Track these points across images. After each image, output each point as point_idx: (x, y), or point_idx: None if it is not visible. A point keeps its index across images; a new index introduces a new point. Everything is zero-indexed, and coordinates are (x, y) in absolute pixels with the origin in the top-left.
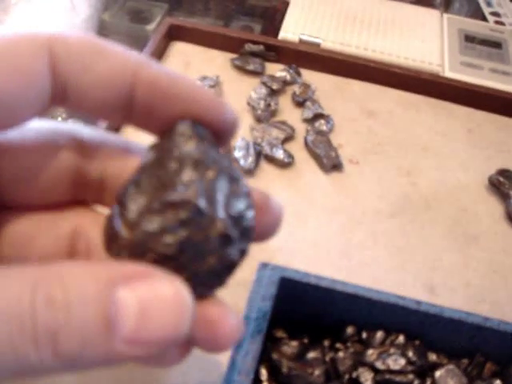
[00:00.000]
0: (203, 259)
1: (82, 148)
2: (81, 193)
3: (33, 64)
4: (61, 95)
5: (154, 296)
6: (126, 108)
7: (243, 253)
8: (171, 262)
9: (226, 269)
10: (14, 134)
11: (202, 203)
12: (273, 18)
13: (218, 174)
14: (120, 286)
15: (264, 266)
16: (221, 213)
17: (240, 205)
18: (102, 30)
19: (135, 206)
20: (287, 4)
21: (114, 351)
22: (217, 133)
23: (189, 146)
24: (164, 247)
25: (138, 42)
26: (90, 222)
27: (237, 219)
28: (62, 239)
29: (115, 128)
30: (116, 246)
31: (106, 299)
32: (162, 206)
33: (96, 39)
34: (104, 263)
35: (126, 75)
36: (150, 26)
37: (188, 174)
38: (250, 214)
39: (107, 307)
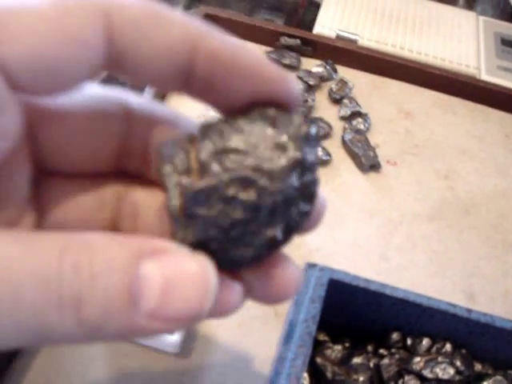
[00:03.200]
0: (241, 245)
1: (130, 116)
2: (124, 162)
3: (85, 29)
4: (116, 64)
5: (180, 271)
6: (185, 79)
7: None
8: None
9: (253, 261)
10: (63, 99)
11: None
12: (295, 12)
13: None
14: (146, 258)
15: (311, 266)
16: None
17: (300, 219)
18: None
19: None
20: None
21: (136, 324)
22: (279, 106)
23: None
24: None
25: None
26: (134, 187)
27: (289, 228)
28: (105, 203)
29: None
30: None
31: (131, 271)
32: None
33: (155, 5)
34: (133, 236)
35: (186, 45)
36: None
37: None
38: (303, 222)
39: (132, 279)
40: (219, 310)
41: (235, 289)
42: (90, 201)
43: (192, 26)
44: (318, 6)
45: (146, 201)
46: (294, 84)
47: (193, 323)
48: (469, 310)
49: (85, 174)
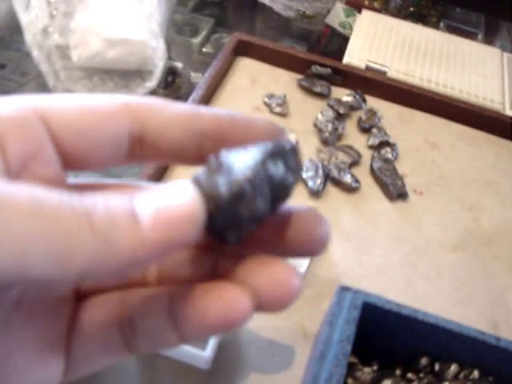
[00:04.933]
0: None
1: None
2: None
3: (111, 107)
4: (139, 140)
5: (168, 189)
6: (197, 147)
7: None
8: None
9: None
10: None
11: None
12: (318, 42)
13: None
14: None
15: (345, 289)
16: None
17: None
18: None
19: None
20: (332, 29)
21: (141, 235)
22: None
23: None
24: None
25: (184, 54)
26: None
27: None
28: None
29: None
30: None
31: (127, 199)
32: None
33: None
34: None
35: (192, 111)
36: (196, 40)
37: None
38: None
39: (129, 203)
40: (230, 316)
41: (242, 292)
42: None
43: (191, 106)
44: (341, 37)
45: None
46: (284, 130)
47: (192, 230)
48: (497, 338)
49: None
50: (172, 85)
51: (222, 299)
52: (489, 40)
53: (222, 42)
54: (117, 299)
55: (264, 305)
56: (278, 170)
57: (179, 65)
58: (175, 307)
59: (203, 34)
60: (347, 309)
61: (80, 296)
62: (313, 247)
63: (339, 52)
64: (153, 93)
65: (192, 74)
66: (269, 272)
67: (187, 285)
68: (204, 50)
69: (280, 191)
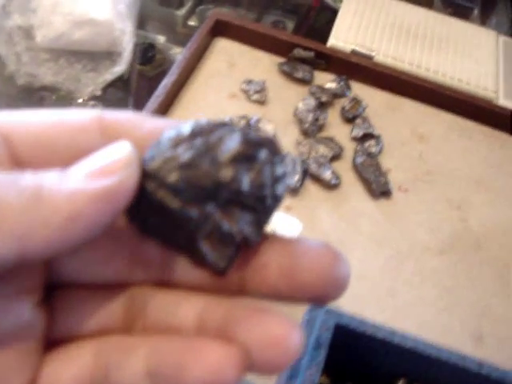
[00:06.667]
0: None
1: None
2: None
3: (84, 121)
4: None
5: (105, 153)
6: None
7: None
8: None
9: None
10: None
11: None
12: (307, 15)
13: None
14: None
15: (315, 307)
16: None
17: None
18: None
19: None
20: (322, 2)
21: (73, 185)
22: None
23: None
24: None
25: (166, 26)
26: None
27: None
28: (116, 313)
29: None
30: None
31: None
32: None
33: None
34: None
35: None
36: (180, 12)
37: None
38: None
39: (57, 171)
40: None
41: (230, 354)
42: (103, 306)
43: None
44: (331, 11)
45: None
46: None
47: (130, 174)
48: (480, 364)
49: (97, 284)
50: (152, 61)
51: (206, 361)
52: (485, 15)
53: (208, 14)
54: (92, 348)
55: (256, 366)
56: (244, 175)
57: (161, 38)
58: (154, 363)
59: (188, 5)
60: (318, 330)
61: (51, 344)
62: (328, 292)
63: (328, 27)
64: (132, 68)
65: (172, 51)
66: (263, 326)
67: (170, 337)
68: (189, 22)
69: (253, 203)
